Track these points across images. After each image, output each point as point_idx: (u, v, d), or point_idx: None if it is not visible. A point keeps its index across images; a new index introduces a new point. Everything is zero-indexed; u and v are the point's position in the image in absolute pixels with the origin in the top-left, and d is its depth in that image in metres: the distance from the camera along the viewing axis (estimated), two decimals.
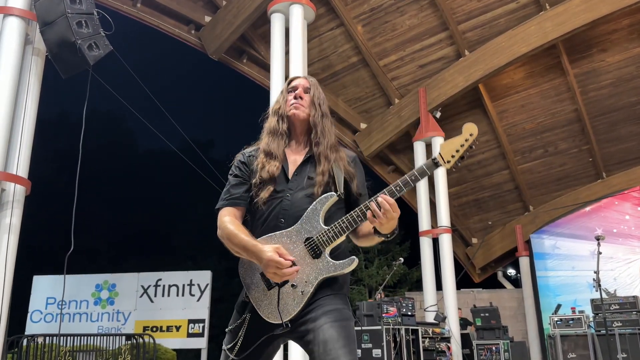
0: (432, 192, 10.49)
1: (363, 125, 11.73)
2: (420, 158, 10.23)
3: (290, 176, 1.99)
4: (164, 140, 8.59)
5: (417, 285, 11.09)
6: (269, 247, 1.82)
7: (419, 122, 10.49)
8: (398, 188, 1.84)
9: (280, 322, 1.83)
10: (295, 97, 2.05)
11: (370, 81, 11.06)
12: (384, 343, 7.09)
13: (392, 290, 15.90)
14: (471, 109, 11.46)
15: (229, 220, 1.94)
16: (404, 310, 7.97)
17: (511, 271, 15.47)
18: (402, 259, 8.53)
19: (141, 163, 30.35)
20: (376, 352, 7.13)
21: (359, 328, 7.53)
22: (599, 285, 5.43)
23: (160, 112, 8.09)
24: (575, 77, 10.55)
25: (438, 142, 10.04)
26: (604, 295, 9.10)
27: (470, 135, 1.87)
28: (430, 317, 9.27)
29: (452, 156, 1.86)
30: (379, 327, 7.21)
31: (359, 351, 7.33)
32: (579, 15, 8.99)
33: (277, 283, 1.85)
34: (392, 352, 7.23)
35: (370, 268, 16.03)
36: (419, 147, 10.34)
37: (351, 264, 1.84)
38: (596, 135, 11.25)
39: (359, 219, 1.85)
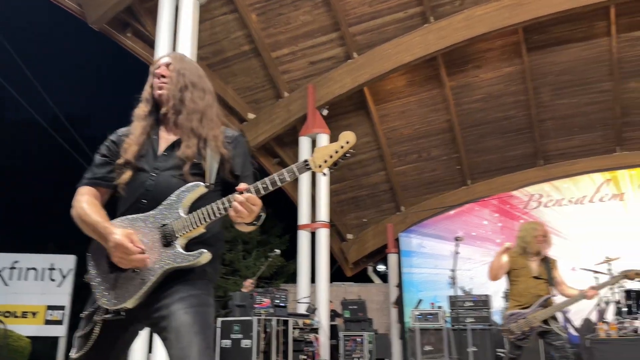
0: (314, 187, 10.71)
1: (251, 116, 11.67)
2: (304, 153, 10.39)
3: (159, 154, 1.91)
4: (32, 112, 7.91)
5: (293, 278, 11.31)
6: (120, 231, 1.75)
7: (306, 117, 10.65)
8: (264, 186, 1.82)
9: (114, 307, 1.76)
10: (158, 77, 1.96)
11: (261, 72, 11.01)
12: (254, 333, 7.12)
13: (268, 282, 16.02)
14: (356, 110, 11.86)
15: (84, 200, 1.85)
16: (277, 301, 8.06)
17: (381, 267, 16.28)
18: (278, 251, 8.62)
19: (6, 133, 27.63)
20: (245, 343, 7.15)
21: (232, 318, 7.49)
22: (455, 283, 5.89)
23: (33, 82, 7.43)
24: (451, 90, 11.32)
25: (323, 139, 10.27)
26: (460, 293, 9.90)
27: (347, 143, 1.88)
28: (302, 309, 9.47)
29: (325, 161, 1.86)
30: (250, 318, 7.22)
31: (229, 341, 7.30)
32: (459, 31, 9.65)
33: (120, 268, 1.77)
34: (261, 343, 7.29)
35: (248, 259, 16.03)
36: (304, 142, 10.50)
37: (199, 257, 1.79)
38: (465, 145, 12.16)
39: (219, 212, 1.81)
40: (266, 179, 1.86)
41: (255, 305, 7.56)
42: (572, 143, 11.76)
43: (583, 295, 4.23)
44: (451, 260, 6.26)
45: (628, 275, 7.70)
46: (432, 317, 8.99)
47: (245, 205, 1.76)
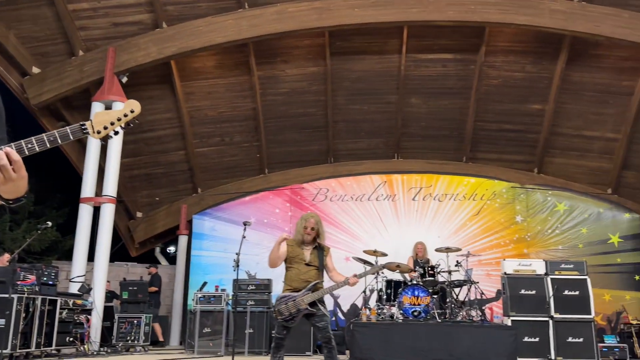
0: (104, 158, 9.96)
1: (35, 70, 10.37)
2: None
3: None
4: None
5: (69, 255, 10.37)
6: None
7: (103, 82, 9.84)
8: (30, 145, 1.61)
9: None
10: None
11: (53, 23, 9.86)
12: (12, 312, 6.37)
13: (38, 258, 14.45)
14: (160, 83, 11.35)
15: None
16: (45, 279, 7.33)
17: (171, 248, 15.88)
18: (49, 223, 7.82)
19: None
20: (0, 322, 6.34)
21: None
22: (238, 267, 6.01)
23: None
24: (259, 79, 11.51)
25: (119, 107, 9.57)
26: (245, 277, 10.13)
27: (132, 112, 1.79)
28: (74, 288, 8.76)
29: (105, 127, 1.75)
30: (7, 295, 6.43)
31: None
32: (272, 23, 9.85)
33: None
34: (21, 323, 6.55)
35: (15, 231, 14.24)
36: (97, 109, 9.68)
37: None
38: (266, 135, 12.49)
39: None
40: (32, 138, 1.64)
41: (18, 282, 6.76)
42: (359, 145, 12.88)
43: (346, 282, 4.63)
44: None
45: (389, 267, 8.69)
46: (214, 300, 9.05)
47: (3, 165, 1.51)
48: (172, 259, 14.41)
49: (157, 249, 13.90)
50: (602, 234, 10.74)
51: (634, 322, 8.65)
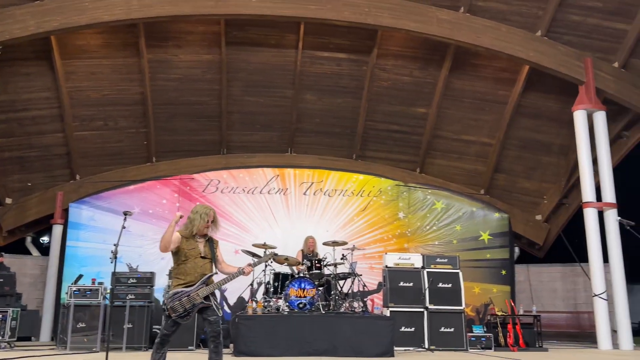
0: None
1: None
2: None
3: None
4: None
5: None
6: None
7: None
8: None
9: None
10: None
11: None
12: None
13: None
14: (38, 59, 10.50)
15: None
16: None
17: (44, 238, 14.74)
18: None
19: None
20: None
21: None
22: (115, 258, 5.71)
23: None
24: (149, 62, 11.02)
25: None
26: (125, 269, 9.67)
27: None
28: None
29: None
30: None
31: None
32: (164, 5, 9.46)
33: None
34: None
35: None
36: None
37: None
38: (155, 121, 11.99)
39: None
40: None
41: None
42: (253, 138, 12.79)
43: (241, 272, 4.61)
44: (122, 236, 6.05)
45: (278, 260, 8.74)
46: (90, 293, 8.54)
47: None
48: (45, 250, 13.37)
49: (28, 239, 12.82)
50: (474, 231, 11.59)
51: (499, 313, 9.43)
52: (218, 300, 4.69)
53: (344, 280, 9.04)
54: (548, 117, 11.80)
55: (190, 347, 8.53)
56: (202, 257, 4.62)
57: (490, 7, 10.29)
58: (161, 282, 9.74)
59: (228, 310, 10.58)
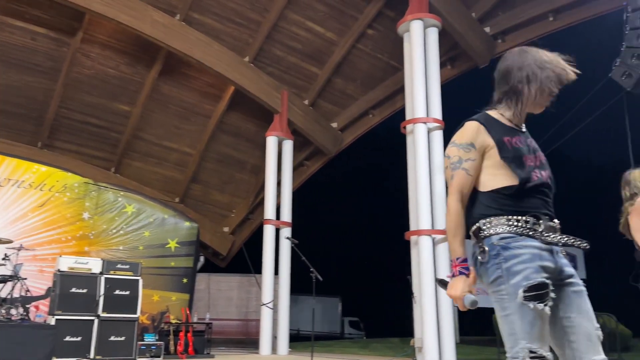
0: None
1: None
2: None
3: None
4: None
5: None
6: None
7: None
8: None
9: None
10: None
11: None
12: None
13: None
14: None
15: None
16: None
17: None
18: None
19: None
20: None
21: None
22: None
23: None
24: None
25: None
26: None
27: None
28: None
29: None
30: None
31: None
32: None
33: None
34: None
35: None
36: None
37: None
38: None
39: None
40: None
41: None
42: None
43: None
44: None
45: None
46: None
47: None
48: None
49: None
50: (163, 239, 11.51)
51: (174, 321, 9.52)
52: None
53: (2, 284, 7.87)
54: (246, 138, 12.65)
55: None
56: None
57: (206, 22, 10.57)
58: None
59: None
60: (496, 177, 1.96)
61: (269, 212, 11.11)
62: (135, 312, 8.71)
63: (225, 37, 10.84)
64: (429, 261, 8.13)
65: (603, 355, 1.86)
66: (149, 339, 8.98)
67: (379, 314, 27.90)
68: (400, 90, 10.63)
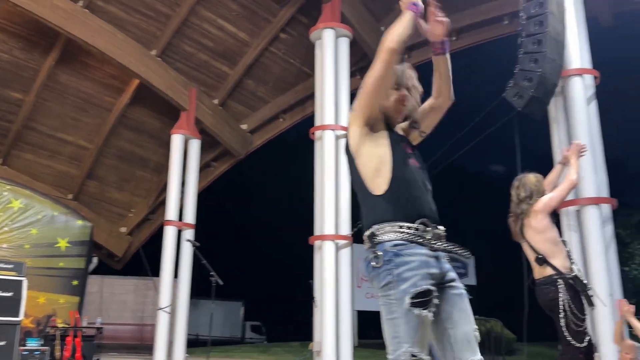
0: None
1: None
2: None
3: None
4: None
5: None
6: None
7: None
8: None
9: None
10: None
11: None
12: None
13: None
14: None
15: None
16: None
17: None
18: None
19: None
20: None
21: None
22: None
23: None
24: None
25: None
26: None
27: None
28: None
29: None
30: None
31: None
32: None
33: None
34: None
35: None
36: None
37: None
38: None
39: None
40: None
41: None
42: None
43: None
44: None
45: None
46: None
47: None
48: None
49: None
50: (52, 237, 10.74)
51: (61, 325, 8.89)
52: None
53: None
54: (149, 134, 12.16)
55: None
56: None
57: (110, 10, 10.05)
58: None
59: None
60: (389, 182, 2.01)
61: (171, 213, 10.74)
62: (17, 315, 8.03)
63: (131, 28, 10.37)
64: (332, 266, 8.23)
65: (479, 356, 1.94)
66: (32, 343, 8.33)
67: (282, 318, 27.91)
68: (311, 96, 10.71)
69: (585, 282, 3.62)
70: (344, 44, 9.37)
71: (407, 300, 1.85)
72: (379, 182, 2.01)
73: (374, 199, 2.01)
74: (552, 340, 3.69)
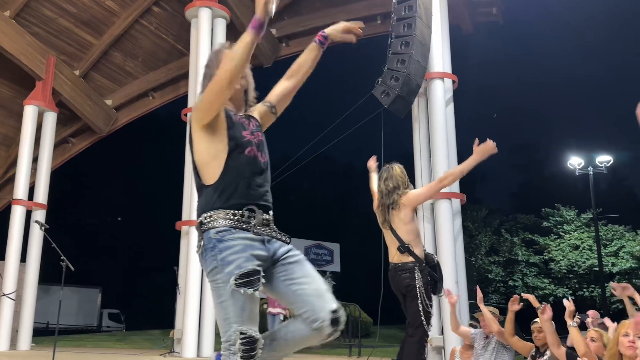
0: None
1: None
2: None
3: None
4: None
5: None
6: None
7: None
8: None
9: None
10: None
11: None
12: None
13: None
14: None
15: None
16: None
17: None
18: None
19: None
20: None
21: None
22: None
23: None
24: None
25: None
26: None
27: None
28: None
29: None
30: None
31: None
32: None
33: None
34: None
35: None
36: None
37: None
38: None
39: None
40: None
41: None
42: None
43: None
44: None
45: None
46: None
47: None
48: None
49: None
50: None
51: None
52: None
53: None
54: None
55: None
56: None
57: None
58: None
59: None
60: (220, 173, 2.08)
61: (20, 191, 9.78)
62: None
63: None
64: None
65: (336, 303, 2.04)
66: None
67: (143, 306, 26.76)
68: (185, 75, 10.33)
69: (441, 271, 3.93)
70: (221, 26, 9.16)
71: (232, 281, 1.93)
72: (210, 173, 2.09)
73: (206, 189, 2.10)
74: (403, 323, 3.93)
